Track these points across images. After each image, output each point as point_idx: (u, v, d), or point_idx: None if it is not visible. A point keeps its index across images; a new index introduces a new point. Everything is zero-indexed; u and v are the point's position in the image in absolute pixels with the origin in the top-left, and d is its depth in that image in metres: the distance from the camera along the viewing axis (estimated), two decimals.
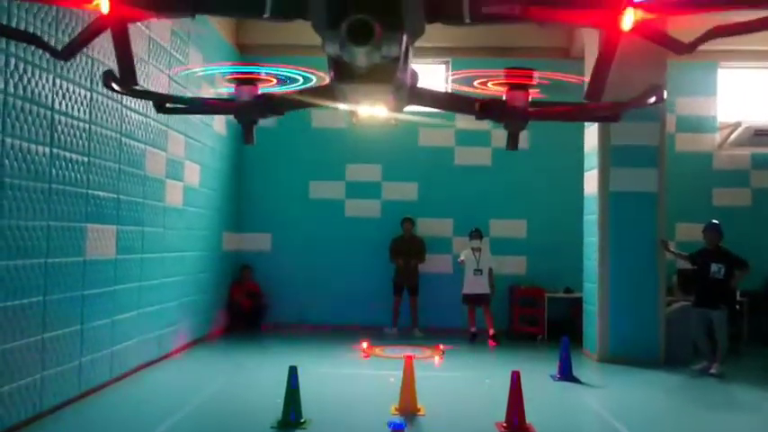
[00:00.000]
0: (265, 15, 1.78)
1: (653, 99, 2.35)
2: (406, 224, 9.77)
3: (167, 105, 3.00)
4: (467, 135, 10.03)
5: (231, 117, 9.57)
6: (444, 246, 10.08)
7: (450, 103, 2.95)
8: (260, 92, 2.76)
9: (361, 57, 1.67)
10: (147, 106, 6.65)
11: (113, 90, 2.47)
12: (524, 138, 9.97)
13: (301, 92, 2.82)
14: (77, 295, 5.35)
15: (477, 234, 9.32)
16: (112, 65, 5.81)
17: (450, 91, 2.85)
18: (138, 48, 6.36)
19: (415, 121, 9.90)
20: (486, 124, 10.01)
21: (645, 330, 7.71)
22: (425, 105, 2.84)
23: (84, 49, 5.28)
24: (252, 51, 9.91)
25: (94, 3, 1.81)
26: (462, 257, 9.33)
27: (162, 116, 7.04)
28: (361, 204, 10.24)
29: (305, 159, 10.17)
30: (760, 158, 10.07)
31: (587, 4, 1.83)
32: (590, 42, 8.05)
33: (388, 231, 9.82)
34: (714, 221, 7.59)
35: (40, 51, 4.64)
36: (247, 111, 2.78)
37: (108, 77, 2.44)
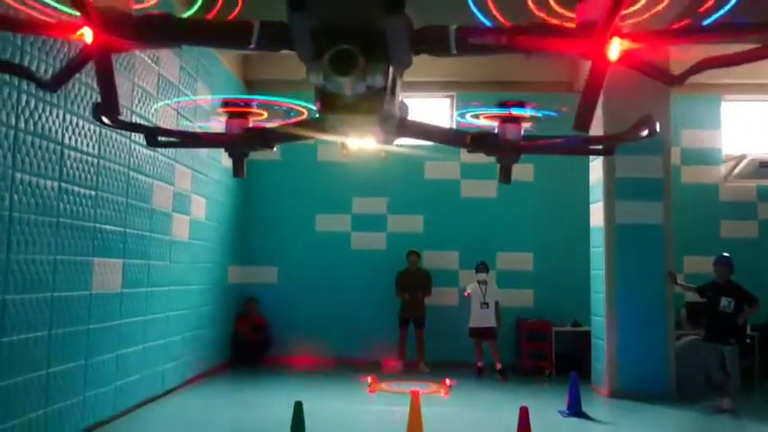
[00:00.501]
0: (251, 46, 1.79)
1: (645, 131, 2.30)
2: (411, 257, 9.75)
3: (159, 138, 2.97)
4: (472, 168, 10.07)
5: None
6: (450, 279, 10.03)
7: (441, 136, 2.93)
8: (250, 124, 2.76)
9: (345, 87, 1.68)
10: None
11: (103, 123, 2.45)
12: (529, 170, 10.07)
13: (291, 124, 2.82)
14: (83, 329, 5.33)
15: (483, 267, 9.28)
16: (123, 100, 5.91)
17: (439, 124, 2.85)
18: (148, 83, 6.46)
19: (420, 154, 9.96)
20: (491, 157, 10.04)
21: (655, 365, 7.61)
22: (416, 138, 2.81)
23: (95, 85, 5.38)
24: (258, 86, 10.04)
25: (78, 33, 1.79)
26: (468, 291, 9.27)
27: (170, 150, 7.11)
28: (367, 237, 10.24)
29: (311, 192, 10.21)
30: (766, 190, 10.05)
31: (574, 34, 1.82)
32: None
33: (394, 264, 9.80)
34: (725, 255, 7.53)
35: None
36: (238, 144, 2.77)
37: (98, 109, 2.44)
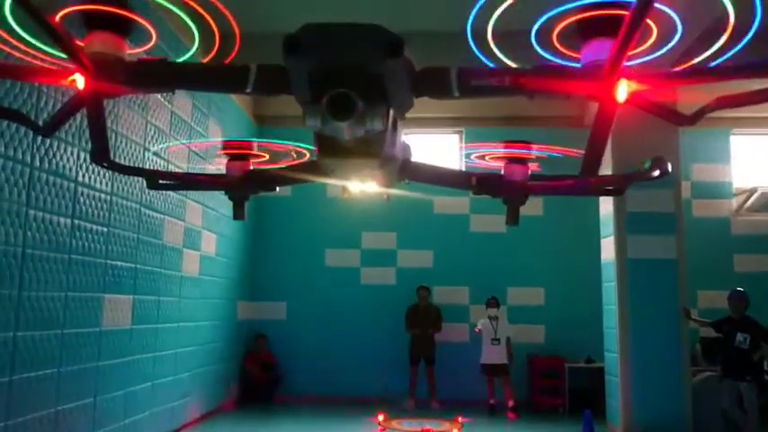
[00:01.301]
0: (247, 90, 1.77)
1: (657, 172, 2.21)
2: (421, 292, 9.69)
3: (160, 182, 2.94)
4: (481, 203, 10.04)
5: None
6: (461, 314, 9.95)
7: (446, 178, 2.82)
8: (251, 167, 2.73)
9: (343, 131, 1.63)
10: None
11: (103, 167, 2.38)
12: (539, 204, 10.06)
13: (291, 167, 2.79)
14: (92, 366, 5.31)
15: (494, 302, 9.21)
16: (136, 138, 6.00)
17: (443, 166, 2.79)
18: (160, 121, 6.55)
19: (428, 188, 9.97)
20: None
21: (671, 402, 7.46)
22: (419, 181, 2.75)
23: (108, 123, 5.46)
24: (270, 122, 10.17)
25: (69, 79, 1.77)
26: (479, 327, 9.18)
27: None
28: (376, 272, 10.21)
29: (320, 228, 10.23)
30: None
31: (580, 75, 1.78)
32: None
33: (404, 299, 9.74)
34: (739, 289, 7.44)
35: (67, 126, 4.79)
36: (238, 186, 2.73)
37: (97, 156, 2.39)
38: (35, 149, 4.47)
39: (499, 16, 1.85)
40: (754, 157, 10.38)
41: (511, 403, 8.82)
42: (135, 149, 5.98)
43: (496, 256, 10.04)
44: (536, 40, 1.96)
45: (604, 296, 8.27)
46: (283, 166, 2.84)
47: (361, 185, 2.63)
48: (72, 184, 4.96)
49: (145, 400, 6.31)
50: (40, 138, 4.49)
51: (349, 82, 1.50)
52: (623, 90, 1.67)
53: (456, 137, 10.56)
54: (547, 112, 9.77)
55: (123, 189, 5.82)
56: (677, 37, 1.83)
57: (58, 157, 4.77)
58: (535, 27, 1.93)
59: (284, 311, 10.19)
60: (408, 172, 2.45)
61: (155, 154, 6.36)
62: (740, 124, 10.07)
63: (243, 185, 2.71)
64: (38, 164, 4.50)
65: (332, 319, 10.02)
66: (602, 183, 2.72)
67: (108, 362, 5.56)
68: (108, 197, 5.54)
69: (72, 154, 4.95)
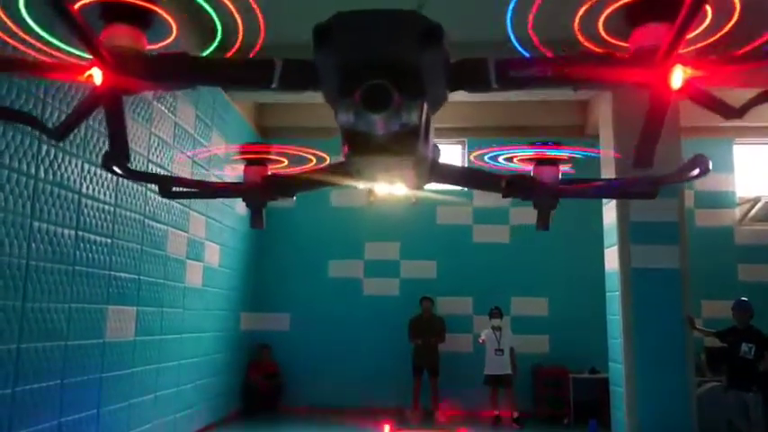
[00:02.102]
0: (273, 86, 1.67)
1: (696, 171, 2.06)
2: (425, 303, 9.67)
3: (173, 189, 2.81)
4: (485, 213, 10.08)
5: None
6: (464, 325, 9.92)
7: (475, 180, 2.69)
8: (269, 173, 2.62)
9: (377, 125, 1.53)
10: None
11: (114, 173, 2.30)
12: None
13: (315, 170, 2.66)
14: (95, 378, 5.30)
15: (497, 313, 9.18)
16: (140, 149, 6.01)
17: (474, 167, 2.65)
18: (164, 132, 6.58)
19: (433, 198, 10.00)
20: (504, 201, 10.07)
21: (676, 413, 7.40)
22: (447, 182, 2.65)
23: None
24: (272, 133, 10.20)
25: (86, 74, 1.66)
26: (483, 337, 9.15)
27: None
28: (379, 283, 10.20)
29: (324, 238, 10.24)
30: None
31: (630, 63, 1.67)
32: (605, 119, 8.18)
33: (407, 310, 9.72)
34: (743, 299, 7.41)
35: (71, 137, 4.82)
36: (255, 193, 2.60)
37: (109, 160, 2.26)
38: (39, 161, 4.49)
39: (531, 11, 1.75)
40: (758, 167, 10.37)
41: (515, 414, 8.78)
42: (139, 160, 6.01)
43: (500, 266, 10.03)
44: (579, 29, 1.85)
45: (608, 306, 8.24)
46: (305, 170, 2.70)
47: (389, 187, 2.50)
48: (76, 196, 4.98)
49: (148, 411, 6.29)
50: (44, 149, 4.52)
51: (384, 72, 1.41)
52: (679, 76, 1.58)
53: (458, 147, 10.57)
54: (549, 122, 9.80)
55: (127, 200, 5.84)
56: (734, 19, 1.71)
57: (63, 169, 4.79)
58: (579, 13, 1.83)
59: (287, 322, 10.18)
60: (437, 173, 2.33)
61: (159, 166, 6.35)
62: (743, 134, 10.07)
63: (261, 192, 2.58)
64: (42, 175, 4.52)
65: (335, 330, 10.00)
66: (635, 184, 2.59)
67: (111, 373, 5.56)
68: (112, 208, 5.56)
69: (76, 165, 4.97)
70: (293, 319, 10.18)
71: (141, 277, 6.16)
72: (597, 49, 1.78)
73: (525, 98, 9.21)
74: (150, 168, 6.26)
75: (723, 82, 1.65)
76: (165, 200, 6.67)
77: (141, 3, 1.72)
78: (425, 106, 1.63)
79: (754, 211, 9.81)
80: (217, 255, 8.46)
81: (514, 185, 2.43)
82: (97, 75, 1.63)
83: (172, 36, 1.91)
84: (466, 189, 10.25)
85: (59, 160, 4.73)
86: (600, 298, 8.44)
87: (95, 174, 5.26)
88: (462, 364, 9.54)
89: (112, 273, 5.58)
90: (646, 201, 7.20)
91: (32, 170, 4.41)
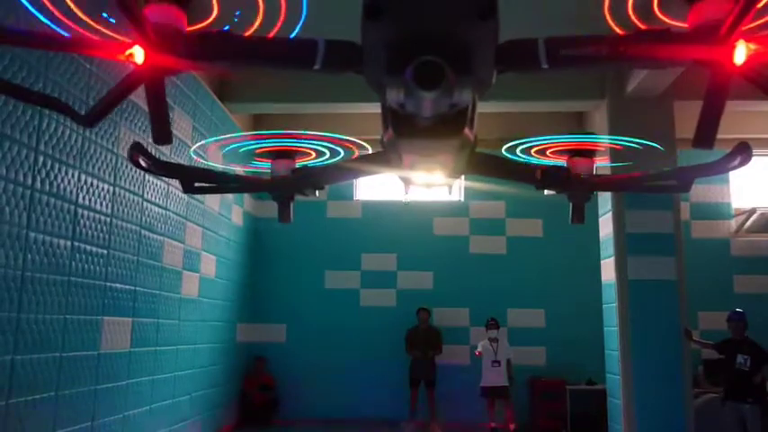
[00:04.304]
0: (316, 67, 1.59)
1: (738, 160, 2.01)
2: (421, 314, 9.65)
3: (196, 185, 2.68)
4: (481, 224, 10.08)
5: (249, 209, 9.66)
6: (461, 336, 9.90)
7: (509, 170, 2.66)
8: (297, 165, 2.57)
9: (427, 104, 1.46)
10: (167, 199, 6.81)
11: (139, 166, 2.23)
12: (538, 225, 10.07)
13: (350, 161, 2.59)
14: (90, 390, 5.26)
15: (494, 324, 9.16)
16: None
17: (509, 157, 2.61)
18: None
19: (429, 208, 10.01)
20: (500, 212, 10.10)
21: (673, 424, 7.39)
22: (482, 173, 2.60)
23: (109, 146, 5.50)
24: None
25: (127, 52, 1.57)
26: (479, 349, 9.13)
27: (181, 208, 7.19)
28: (376, 294, 10.18)
29: (320, 249, 10.23)
30: None
31: (691, 39, 1.63)
32: (600, 131, 8.22)
33: (404, 321, 9.70)
34: (738, 311, 7.42)
35: (68, 148, 4.82)
36: (284, 186, 2.55)
37: (135, 152, 2.19)
38: (36, 171, 4.48)
39: None
40: (753, 178, 10.41)
41: (512, 426, 8.74)
42: (134, 170, 6.00)
43: (496, 277, 10.02)
44: (633, 9, 1.80)
45: (605, 318, 8.24)
46: (332, 160, 2.62)
47: (427, 177, 2.34)
48: (72, 206, 4.97)
49: (143, 423, 6.25)
50: (41, 160, 4.51)
51: (436, 48, 1.35)
52: (742, 52, 1.52)
53: None
54: (542, 132, 9.81)
55: (123, 211, 5.83)
56: None
57: (59, 179, 4.78)
58: None
59: (284, 334, 10.14)
60: (474, 162, 2.26)
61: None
62: None
63: (289, 185, 2.53)
64: (38, 186, 4.51)
65: (332, 342, 9.96)
66: (668, 177, 2.53)
67: (106, 385, 5.52)
68: (108, 219, 5.54)
69: (72, 176, 4.96)
70: (290, 331, 10.14)
71: (137, 288, 6.14)
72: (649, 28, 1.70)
73: (522, 110, 9.26)
74: (146, 179, 6.26)
75: None
76: (161, 210, 6.66)
77: None
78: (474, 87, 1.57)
79: (749, 223, 9.84)
80: (213, 266, 8.44)
81: (549, 177, 2.39)
82: (139, 53, 1.56)
83: (212, 16, 1.84)
84: (465, 198, 10.28)
85: (56, 171, 4.73)
86: (597, 309, 8.45)
87: (92, 184, 5.25)
88: (459, 375, 9.52)
89: (108, 284, 5.56)
90: (641, 213, 7.28)
91: (29, 180, 4.40)
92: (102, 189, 5.43)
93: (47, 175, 4.61)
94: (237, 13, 1.83)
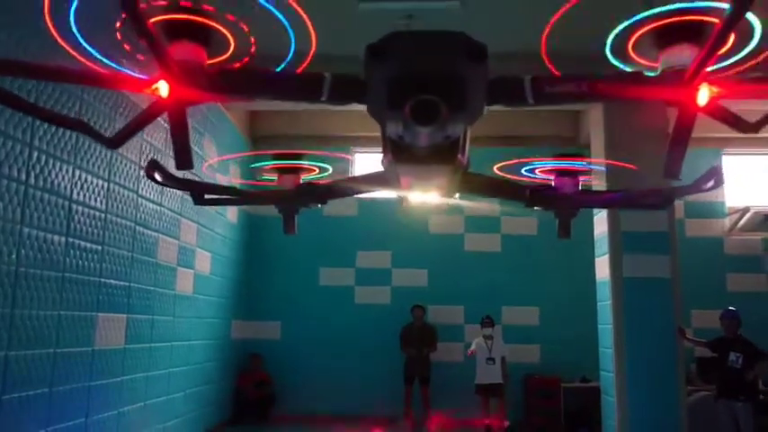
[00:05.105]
0: (323, 99, 1.77)
1: (711, 183, 2.22)
2: (416, 311, 9.66)
3: (206, 196, 2.87)
4: (476, 222, 10.09)
5: (244, 206, 9.60)
6: (456, 334, 9.91)
7: (501, 189, 2.89)
8: (302, 181, 2.77)
9: (423, 137, 1.62)
10: (162, 196, 6.79)
11: (155, 181, 2.42)
12: (533, 224, 10.08)
13: (352, 179, 2.82)
14: (84, 386, 5.26)
15: (488, 322, 9.17)
16: (131, 155, 5.99)
17: (500, 177, 2.84)
18: (156, 140, 6.57)
19: (425, 206, 10.01)
20: (495, 210, 10.12)
21: (666, 422, 7.41)
22: (475, 192, 2.79)
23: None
24: (264, 142, 10.19)
25: (153, 87, 1.76)
26: (473, 348, 9.11)
27: (176, 205, 7.18)
28: (371, 291, 10.18)
29: (315, 247, 10.21)
30: None
31: (660, 81, 1.82)
32: (596, 130, 8.23)
33: (399, 318, 9.70)
34: (731, 309, 7.45)
35: (62, 144, 4.81)
36: (289, 200, 2.78)
37: (151, 167, 2.37)
38: (30, 167, 4.46)
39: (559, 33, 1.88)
40: (747, 177, 10.45)
41: (506, 424, 8.76)
42: (131, 168, 5.99)
43: (491, 275, 10.04)
44: (610, 50, 2.02)
45: (599, 315, 8.26)
46: (340, 179, 2.81)
47: (423, 196, 2.62)
48: (66, 202, 4.95)
49: (137, 420, 6.24)
50: (35, 155, 4.50)
51: (432, 87, 1.49)
52: (705, 95, 1.71)
53: None
54: (541, 132, 9.85)
55: (118, 207, 5.81)
56: (755, 41, 1.87)
57: (53, 175, 4.76)
58: (611, 36, 2.00)
59: (278, 331, 10.14)
60: (467, 182, 2.47)
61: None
62: (731, 144, 10.15)
63: (295, 199, 2.75)
64: (32, 181, 4.50)
65: (326, 339, 9.96)
66: (650, 195, 2.75)
67: (100, 382, 5.51)
68: (102, 215, 5.53)
69: (67, 172, 4.94)
70: (284, 328, 10.14)
71: (131, 284, 6.12)
72: (627, 68, 1.96)
73: (518, 107, 9.26)
74: (141, 175, 6.25)
75: (740, 97, 1.77)
76: (155, 207, 6.65)
77: (205, 22, 1.86)
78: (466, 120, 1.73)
79: (743, 222, 9.88)
80: (208, 262, 8.43)
81: (537, 195, 2.58)
82: (164, 88, 1.74)
83: (229, 51, 2.04)
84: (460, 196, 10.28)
85: (50, 166, 4.71)
86: (591, 307, 8.47)
87: (86, 180, 5.24)
88: (453, 372, 9.52)
89: (102, 280, 5.54)
90: (636, 211, 7.28)
91: (23, 176, 4.38)
92: (97, 185, 5.42)
93: (41, 170, 4.59)
94: (252, 49, 2.04)
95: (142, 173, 6.22)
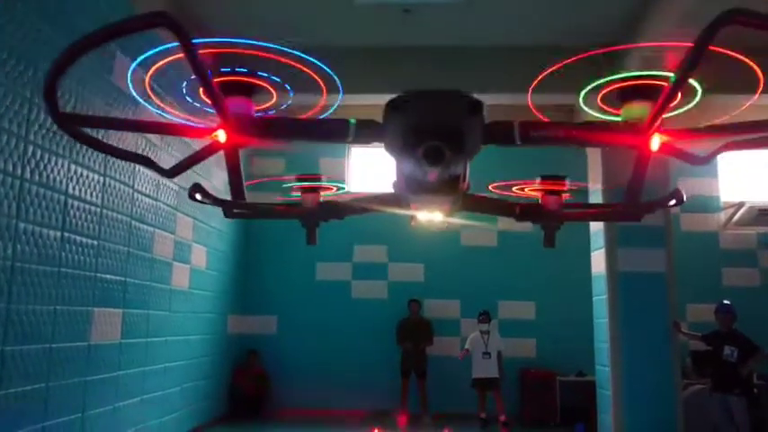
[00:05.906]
0: (348, 139, 2.09)
1: (674, 201, 2.66)
2: (412, 306, 9.68)
3: (235, 211, 3.19)
4: (473, 216, 10.09)
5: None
6: (452, 327, 9.94)
7: (495, 207, 3.37)
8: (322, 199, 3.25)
9: (432, 174, 1.97)
10: (158, 190, 6.77)
11: (196, 200, 2.77)
12: None
13: (367, 200, 3.37)
14: (80, 381, 5.25)
15: (485, 317, 9.19)
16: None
17: (494, 197, 3.34)
18: (152, 135, 6.53)
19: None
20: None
21: (662, 415, 7.45)
22: (473, 210, 3.19)
23: (100, 137, 5.44)
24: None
25: (213, 135, 2.08)
26: (467, 346, 9.10)
27: (171, 199, 7.15)
28: (367, 285, 10.19)
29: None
30: (766, 238, 10.06)
31: (622, 130, 2.23)
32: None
33: (395, 313, 9.72)
34: (726, 302, 7.47)
35: (58, 138, 4.79)
36: (312, 216, 3.25)
37: (194, 190, 2.69)
38: (26, 161, 4.44)
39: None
40: (742, 172, 10.48)
41: (503, 417, 8.79)
42: (126, 162, 5.97)
43: (487, 269, 10.05)
44: (583, 101, 2.56)
45: (595, 309, 8.29)
46: (356, 198, 3.36)
47: (429, 215, 3.16)
48: (62, 197, 4.93)
49: (133, 415, 6.24)
50: (30, 150, 4.47)
51: (439, 135, 1.80)
52: (657, 142, 2.08)
53: None
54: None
55: (114, 202, 5.79)
56: (696, 98, 2.38)
57: (49, 170, 4.74)
58: (582, 92, 2.52)
59: (275, 325, 10.14)
60: (467, 202, 2.90)
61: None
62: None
63: (317, 215, 3.23)
64: (28, 176, 4.48)
65: (323, 333, 9.97)
66: (625, 210, 3.13)
67: (96, 376, 5.50)
68: (98, 210, 5.51)
69: (62, 166, 4.92)
70: (280, 322, 10.14)
71: (127, 279, 6.11)
72: (598, 119, 2.46)
73: (513, 102, 9.24)
74: (137, 170, 6.22)
75: (687, 141, 2.14)
76: (151, 201, 6.63)
77: (255, 81, 2.30)
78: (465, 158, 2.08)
79: (738, 216, 9.92)
80: (204, 257, 8.41)
81: (526, 212, 3.03)
82: (222, 135, 2.08)
83: (273, 100, 2.50)
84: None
85: (46, 161, 4.69)
86: (587, 301, 8.49)
87: (82, 175, 5.21)
88: (450, 366, 9.55)
89: (98, 275, 5.53)
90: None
91: (18, 171, 4.36)
92: (93, 180, 5.39)
93: (36, 165, 4.57)
94: (290, 96, 2.53)
95: (138, 167, 6.20)
